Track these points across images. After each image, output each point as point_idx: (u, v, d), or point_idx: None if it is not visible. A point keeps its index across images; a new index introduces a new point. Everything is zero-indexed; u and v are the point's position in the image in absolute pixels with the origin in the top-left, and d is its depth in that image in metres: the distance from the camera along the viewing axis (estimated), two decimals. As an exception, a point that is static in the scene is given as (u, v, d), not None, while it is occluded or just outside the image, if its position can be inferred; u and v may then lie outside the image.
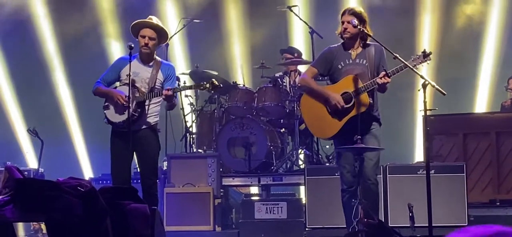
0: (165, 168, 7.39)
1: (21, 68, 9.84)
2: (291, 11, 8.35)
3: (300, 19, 8.26)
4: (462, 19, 9.46)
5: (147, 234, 3.61)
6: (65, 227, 3.30)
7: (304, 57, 8.17)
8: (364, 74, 5.00)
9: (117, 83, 5.63)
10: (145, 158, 5.56)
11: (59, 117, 9.84)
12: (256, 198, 7.51)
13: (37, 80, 9.84)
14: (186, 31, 9.10)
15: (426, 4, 9.39)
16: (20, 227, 7.08)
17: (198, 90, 7.50)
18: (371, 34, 5.00)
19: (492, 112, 8.18)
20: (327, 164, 7.51)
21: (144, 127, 5.52)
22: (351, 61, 5.07)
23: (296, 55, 7.97)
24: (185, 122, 7.90)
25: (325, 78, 5.73)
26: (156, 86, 5.53)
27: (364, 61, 5.04)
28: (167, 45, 8.33)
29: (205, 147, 7.82)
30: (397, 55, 4.84)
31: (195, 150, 7.80)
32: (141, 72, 5.51)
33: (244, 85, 7.97)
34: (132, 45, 5.38)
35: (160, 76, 5.56)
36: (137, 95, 5.44)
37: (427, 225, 4.72)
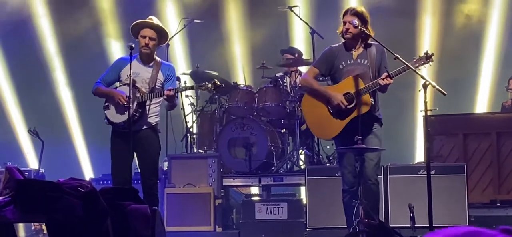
0: (165, 168, 7.39)
1: (21, 68, 9.84)
2: (292, 11, 8.35)
3: (301, 19, 8.26)
4: (462, 19, 9.46)
5: (147, 234, 3.61)
6: (66, 228, 3.30)
7: (304, 57, 8.17)
8: (365, 74, 4.99)
9: (117, 84, 5.63)
10: (146, 159, 5.56)
11: (59, 118, 9.84)
12: (257, 198, 7.51)
13: (38, 80, 9.84)
14: (186, 32, 9.10)
15: (426, 5, 9.39)
16: (21, 228, 7.08)
17: (199, 90, 7.50)
18: (373, 35, 5.00)
19: (492, 113, 8.17)
20: (327, 164, 7.51)
21: (145, 127, 5.53)
22: (352, 61, 5.06)
23: (296, 55, 7.97)
24: (186, 122, 7.90)
25: (326, 78, 5.72)
26: (156, 87, 5.53)
27: (366, 61, 5.03)
28: (168, 45, 8.32)
29: (205, 147, 7.81)
30: (398, 56, 4.84)
31: (195, 150, 7.80)
32: (141, 73, 5.51)
33: (245, 86, 7.97)
34: (133, 46, 5.39)
35: (160, 77, 5.56)
36: (138, 95, 5.44)
37: (428, 225, 4.72)
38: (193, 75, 8.15)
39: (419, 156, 8.91)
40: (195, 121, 7.95)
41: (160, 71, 5.56)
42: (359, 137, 4.78)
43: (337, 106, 4.97)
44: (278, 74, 7.97)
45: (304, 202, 6.66)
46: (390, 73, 4.87)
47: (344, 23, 5.03)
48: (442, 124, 7.02)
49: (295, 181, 7.38)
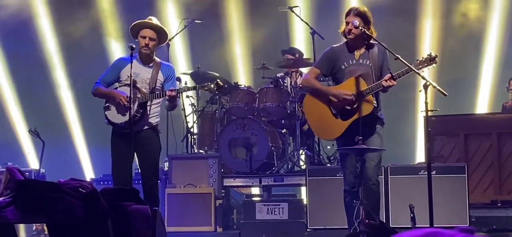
0: (166, 168, 7.39)
1: (22, 69, 9.85)
2: (292, 11, 8.34)
3: (301, 19, 8.26)
4: (462, 20, 9.45)
5: (148, 235, 3.62)
6: (66, 229, 3.30)
7: (305, 58, 8.16)
8: (367, 74, 4.98)
9: (117, 84, 5.62)
10: (146, 159, 5.56)
11: (60, 118, 9.84)
12: (257, 198, 7.51)
13: (38, 81, 9.84)
14: (187, 32, 9.11)
15: (426, 6, 9.38)
16: (22, 229, 7.08)
17: (200, 91, 7.50)
18: (375, 35, 4.99)
19: (493, 113, 8.17)
20: (328, 164, 7.51)
21: (145, 127, 5.52)
22: (354, 62, 5.04)
23: (297, 56, 7.97)
24: (186, 122, 7.90)
25: (327, 79, 5.71)
26: (156, 87, 5.53)
27: (368, 62, 5.02)
28: (168, 45, 8.33)
29: (206, 147, 7.82)
30: (399, 56, 4.83)
31: (196, 150, 7.80)
32: (141, 73, 5.51)
33: (245, 86, 7.97)
34: (133, 46, 5.39)
35: (160, 77, 5.56)
36: (139, 95, 5.44)
37: (429, 226, 4.71)
38: (193, 75, 8.15)
39: (420, 156, 8.91)
40: (196, 122, 7.95)
41: (160, 71, 5.56)
42: (360, 137, 4.77)
43: (342, 100, 4.95)
44: (279, 75, 7.97)
45: (305, 202, 6.66)
46: (393, 74, 4.85)
47: (347, 23, 5.02)
48: (443, 125, 7.02)
49: (296, 181, 7.38)
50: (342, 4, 9.14)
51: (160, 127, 5.75)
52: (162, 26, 5.63)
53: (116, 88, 5.58)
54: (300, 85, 7.34)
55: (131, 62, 5.34)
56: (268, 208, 6.81)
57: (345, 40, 5.12)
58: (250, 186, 7.79)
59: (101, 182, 7.35)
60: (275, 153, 7.44)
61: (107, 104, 5.55)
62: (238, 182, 7.48)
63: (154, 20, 5.62)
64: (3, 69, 9.89)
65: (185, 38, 9.56)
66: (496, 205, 6.82)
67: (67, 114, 9.92)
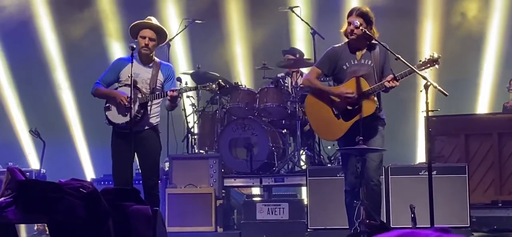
0: (166, 169, 7.39)
1: (22, 69, 9.85)
2: (293, 11, 8.34)
3: (302, 20, 8.26)
4: (463, 20, 9.45)
5: (149, 235, 3.61)
6: (67, 229, 3.30)
7: (305, 58, 8.16)
8: (369, 74, 4.97)
9: (116, 84, 5.61)
10: (147, 159, 5.55)
11: (61, 118, 9.85)
12: (258, 199, 7.51)
13: (39, 81, 9.85)
14: (187, 32, 9.11)
15: (427, 6, 9.38)
16: (23, 229, 7.08)
17: (200, 91, 7.50)
18: (377, 35, 4.98)
19: (494, 113, 8.18)
20: (328, 165, 7.50)
21: (146, 128, 5.52)
22: (356, 62, 5.03)
23: (298, 56, 7.97)
24: (187, 122, 7.90)
25: (327, 79, 5.70)
26: (157, 87, 5.53)
27: (370, 62, 5.01)
28: (169, 45, 8.34)
29: (206, 148, 7.82)
30: (399, 56, 4.83)
31: (196, 151, 7.80)
32: (141, 73, 5.51)
33: (245, 86, 7.97)
34: (134, 46, 5.39)
35: (160, 77, 5.56)
36: (140, 96, 5.43)
37: (429, 226, 4.71)
38: (194, 75, 8.15)
39: (421, 156, 8.91)
40: (196, 122, 7.95)
41: (159, 71, 5.56)
42: (360, 138, 4.77)
43: (345, 99, 4.94)
44: (279, 75, 7.97)
45: (305, 202, 6.65)
46: (396, 75, 4.85)
47: (349, 23, 5.01)
48: (443, 125, 7.02)
49: (296, 181, 7.38)
50: (342, 4, 9.14)
51: (161, 128, 5.75)
52: (161, 26, 5.63)
53: (116, 88, 5.58)
54: (301, 85, 7.34)
55: (132, 62, 5.33)
56: (268, 208, 6.81)
57: (346, 40, 5.12)
58: (250, 186, 7.79)
59: (102, 182, 7.35)
60: (275, 153, 7.44)
61: (107, 105, 5.55)
62: (238, 182, 7.48)
63: (154, 20, 5.61)
64: (4, 69, 9.89)
65: (186, 38, 9.56)
66: (497, 206, 6.82)
67: (67, 114, 9.92)
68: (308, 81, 5.22)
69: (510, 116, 7.66)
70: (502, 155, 6.91)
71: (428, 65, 4.81)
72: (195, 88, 5.86)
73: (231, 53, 9.76)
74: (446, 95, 4.68)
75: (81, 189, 3.35)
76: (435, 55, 4.83)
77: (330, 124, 5.04)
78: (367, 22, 4.96)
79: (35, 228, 7.12)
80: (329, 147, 7.75)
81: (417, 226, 5.34)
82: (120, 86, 5.54)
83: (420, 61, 4.87)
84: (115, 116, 5.49)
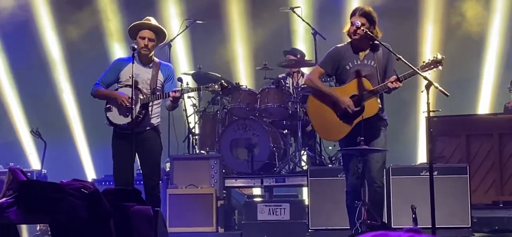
0: (167, 169, 7.40)
1: (23, 69, 9.85)
2: (294, 12, 8.33)
3: (303, 20, 8.25)
4: (464, 21, 9.44)
5: (150, 235, 3.61)
6: (69, 229, 3.30)
7: (307, 58, 8.17)
8: (372, 75, 4.96)
9: (117, 85, 5.60)
10: (148, 159, 5.55)
11: (62, 118, 9.85)
12: (259, 199, 7.52)
13: (40, 81, 9.85)
14: (188, 32, 9.11)
15: (427, 7, 9.38)
16: (24, 229, 7.09)
17: (201, 91, 7.50)
18: (380, 36, 4.97)
19: (495, 114, 8.18)
20: (330, 165, 7.50)
21: (147, 128, 5.52)
22: (359, 62, 5.03)
23: (299, 56, 7.97)
24: (188, 123, 7.90)
25: (329, 79, 5.70)
26: (157, 87, 5.53)
27: (373, 63, 5.00)
28: (170, 46, 8.34)
29: (207, 148, 7.82)
30: (400, 57, 4.83)
31: (197, 151, 7.80)
32: (141, 74, 5.50)
33: (246, 86, 7.97)
34: (135, 47, 5.39)
35: (160, 77, 5.56)
36: (141, 97, 5.43)
37: (431, 226, 4.71)
38: (195, 76, 8.16)
39: (422, 157, 8.89)
40: (197, 122, 7.95)
41: (159, 71, 5.56)
42: (362, 138, 4.77)
43: (344, 110, 4.95)
44: (281, 75, 7.97)
45: (307, 203, 6.66)
46: (399, 76, 4.84)
47: (352, 23, 5.00)
48: (444, 125, 7.02)
49: (297, 182, 7.38)
50: (343, 5, 9.13)
51: (162, 128, 5.75)
52: (160, 26, 5.62)
53: (117, 89, 5.57)
54: (304, 85, 7.35)
55: (133, 63, 5.33)
56: (269, 209, 6.81)
57: (348, 40, 5.11)
58: (251, 187, 7.80)
59: (103, 183, 7.35)
60: (276, 154, 7.44)
61: (108, 105, 5.54)
62: (239, 182, 7.48)
63: (152, 21, 5.61)
64: (5, 70, 9.90)
65: (187, 39, 9.56)
66: (498, 206, 6.82)
67: (68, 114, 9.92)
68: (310, 81, 5.21)
69: (511, 116, 7.66)
70: (503, 155, 6.90)
71: (432, 66, 4.80)
72: (197, 89, 5.86)
73: (232, 53, 9.76)
74: (447, 95, 4.67)
75: (82, 190, 3.36)
76: (439, 56, 4.81)
77: (332, 124, 5.03)
78: (370, 22, 4.96)
79: (38, 228, 7.13)
80: (330, 148, 7.74)
81: (418, 226, 5.35)
82: (120, 87, 5.54)
83: (423, 62, 4.86)
84: (116, 117, 5.49)
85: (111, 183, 6.53)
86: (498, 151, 6.91)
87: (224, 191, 7.20)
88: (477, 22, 9.41)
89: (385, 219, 5.91)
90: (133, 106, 5.28)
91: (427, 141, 4.91)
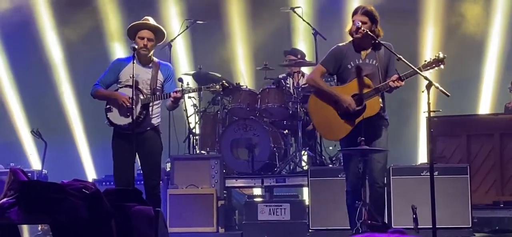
0: (168, 169, 7.40)
1: (24, 69, 9.85)
2: (294, 12, 8.33)
3: (303, 20, 8.25)
4: (464, 21, 9.44)
5: (151, 236, 3.62)
6: (70, 230, 3.31)
7: (307, 58, 8.17)
8: (374, 74, 4.96)
9: (117, 85, 5.60)
10: (148, 159, 5.55)
11: (62, 118, 9.85)
12: (259, 199, 7.52)
13: (40, 81, 9.85)
14: (189, 33, 9.11)
15: (428, 7, 9.37)
16: (25, 230, 7.09)
17: (202, 91, 7.50)
18: (381, 35, 4.97)
19: (495, 114, 8.18)
20: (330, 165, 7.50)
21: (148, 128, 5.53)
22: (361, 61, 5.02)
23: (299, 56, 7.97)
24: (188, 123, 7.90)
25: (330, 78, 5.70)
26: (157, 87, 5.53)
27: (374, 62, 5.00)
28: (170, 46, 8.34)
29: (208, 148, 7.82)
30: (401, 57, 4.82)
31: (198, 151, 7.81)
32: (141, 74, 5.50)
33: (247, 86, 7.97)
34: (136, 47, 5.38)
35: (160, 77, 5.56)
36: (142, 97, 5.43)
37: (431, 226, 4.71)
38: (195, 76, 8.16)
39: (422, 157, 8.90)
40: (198, 122, 7.96)
41: (159, 71, 5.56)
42: (362, 138, 4.76)
43: (346, 109, 4.94)
44: (281, 75, 7.97)
45: (307, 203, 6.66)
46: (401, 75, 4.84)
47: (353, 22, 5.00)
48: (445, 125, 7.02)
49: (298, 182, 7.38)
50: (344, 5, 9.13)
51: (162, 128, 5.75)
52: (159, 26, 5.62)
53: (117, 89, 5.57)
54: (305, 84, 7.35)
55: (133, 63, 5.33)
56: (270, 209, 6.81)
57: (350, 39, 5.10)
58: (252, 187, 7.80)
59: (103, 183, 7.35)
60: (277, 154, 7.44)
61: (108, 106, 5.54)
62: (240, 182, 7.48)
63: (151, 20, 5.61)
64: (5, 70, 9.90)
65: (187, 39, 9.56)
66: (499, 206, 6.82)
67: (69, 114, 9.93)
68: (312, 80, 5.20)
69: (512, 116, 7.67)
70: (504, 155, 6.90)
71: (434, 65, 4.80)
72: (199, 89, 5.86)
73: (233, 53, 9.76)
74: (448, 95, 4.67)
75: (83, 190, 3.36)
76: (441, 55, 4.81)
77: (334, 123, 5.02)
78: (372, 21, 4.95)
79: (39, 228, 7.13)
80: (330, 148, 7.75)
81: (418, 226, 5.35)
82: (120, 87, 5.54)
83: (425, 61, 4.86)
84: (117, 117, 5.48)
85: (112, 183, 6.54)
86: (499, 151, 6.92)
87: (224, 191, 7.20)
88: (477, 22, 9.41)
89: (385, 220, 5.91)
90: (133, 107, 5.28)
91: (428, 141, 4.91)
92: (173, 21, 9.49)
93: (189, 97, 7.96)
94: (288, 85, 7.69)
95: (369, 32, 4.92)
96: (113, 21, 9.80)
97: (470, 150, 6.98)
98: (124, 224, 3.47)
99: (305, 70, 8.01)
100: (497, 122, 7.21)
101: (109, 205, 3.42)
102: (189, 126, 7.88)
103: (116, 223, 3.41)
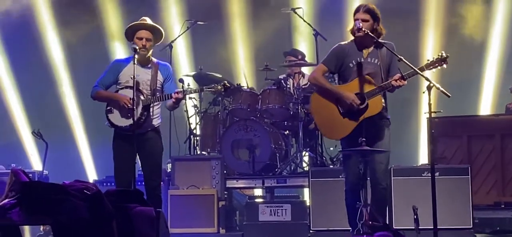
0: (169, 170, 7.40)
1: (25, 70, 9.86)
2: (295, 13, 8.34)
3: (304, 21, 8.25)
4: (465, 22, 9.44)
5: (152, 236, 3.62)
6: (71, 230, 3.31)
7: (307, 59, 8.17)
8: (376, 73, 4.95)
9: (116, 86, 5.59)
10: (149, 160, 5.56)
11: (63, 119, 9.86)
12: (260, 200, 7.53)
13: (41, 82, 9.85)
14: (189, 33, 9.11)
15: (428, 7, 9.37)
16: (27, 230, 7.09)
17: (203, 92, 7.50)
18: (383, 33, 4.97)
19: (496, 114, 8.18)
20: (331, 166, 7.50)
21: (149, 129, 5.52)
22: (363, 60, 5.02)
23: (300, 57, 7.97)
24: (189, 124, 7.90)
25: (331, 77, 5.69)
26: (157, 88, 5.53)
27: (376, 60, 4.99)
28: (171, 47, 8.34)
29: (209, 149, 7.82)
30: (402, 58, 4.82)
31: (199, 152, 7.81)
32: (141, 75, 5.49)
33: (248, 87, 7.97)
34: (137, 47, 5.38)
35: (159, 77, 5.56)
36: (142, 98, 5.43)
37: (432, 227, 4.71)
38: (196, 77, 8.16)
39: (423, 158, 8.90)
40: (199, 123, 7.96)
41: (158, 71, 5.56)
42: (363, 139, 4.76)
43: (349, 105, 4.92)
44: (282, 76, 7.97)
45: (308, 204, 6.66)
46: (403, 74, 4.83)
47: (355, 21, 4.99)
48: (446, 126, 7.02)
49: (299, 182, 7.38)
50: (345, 5, 9.12)
51: (163, 129, 5.75)
52: (156, 25, 5.62)
53: (117, 90, 5.56)
54: (306, 83, 7.35)
55: (134, 64, 5.33)
56: (271, 210, 6.81)
57: (351, 38, 5.10)
58: (252, 188, 7.80)
59: (104, 184, 7.35)
60: (277, 155, 7.44)
61: (109, 107, 5.53)
62: (241, 183, 7.48)
63: (148, 20, 5.61)
64: (6, 71, 9.90)
65: (188, 40, 9.56)
66: (500, 207, 6.81)
67: (70, 115, 9.93)
68: (314, 78, 5.19)
69: (513, 117, 7.66)
70: (505, 156, 6.90)
71: (437, 64, 4.80)
72: (200, 90, 5.85)
73: (233, 54, 9.76)
74: (448, 96, 4.67)
75: (85, 191, 3.36)
76: (444, 54, 4.81)
77: (336, 122, 5.01)
78: (374, 19, 4.95)
79: (41, 229, 7.13)
80: (331, 148, 7.74)
81: (419, 227, 5.34)
82: (120, 89, 5.53)
83: (428, 60, 4.85)
84: (117, 119, 5.48)
85: (112, 184, 6.53)
86: (500, 151, 6.91)
87: (225, 192, 7.20)
88: (478, 23, 9.41)
89: (386, 220, 5.91)
90: (134, 108, 5.28)
91: (429, 142, 4.90)
92: (173, 22, 9.49)
93: (190, 98, 7.96)
94: (288, 86, 7.69)
95: (369, 33, 4.92)
96: (113, 21, 9.80)
97: (471, 150, 6.97)
98: (125, 225, 3.47)
99: (306, 70, 8.01)
100: (498, 122, 7.21)
101: (110, 206, 3.42)
102: (190, 127, 7.88)
103: (117, 224, 3.42)
